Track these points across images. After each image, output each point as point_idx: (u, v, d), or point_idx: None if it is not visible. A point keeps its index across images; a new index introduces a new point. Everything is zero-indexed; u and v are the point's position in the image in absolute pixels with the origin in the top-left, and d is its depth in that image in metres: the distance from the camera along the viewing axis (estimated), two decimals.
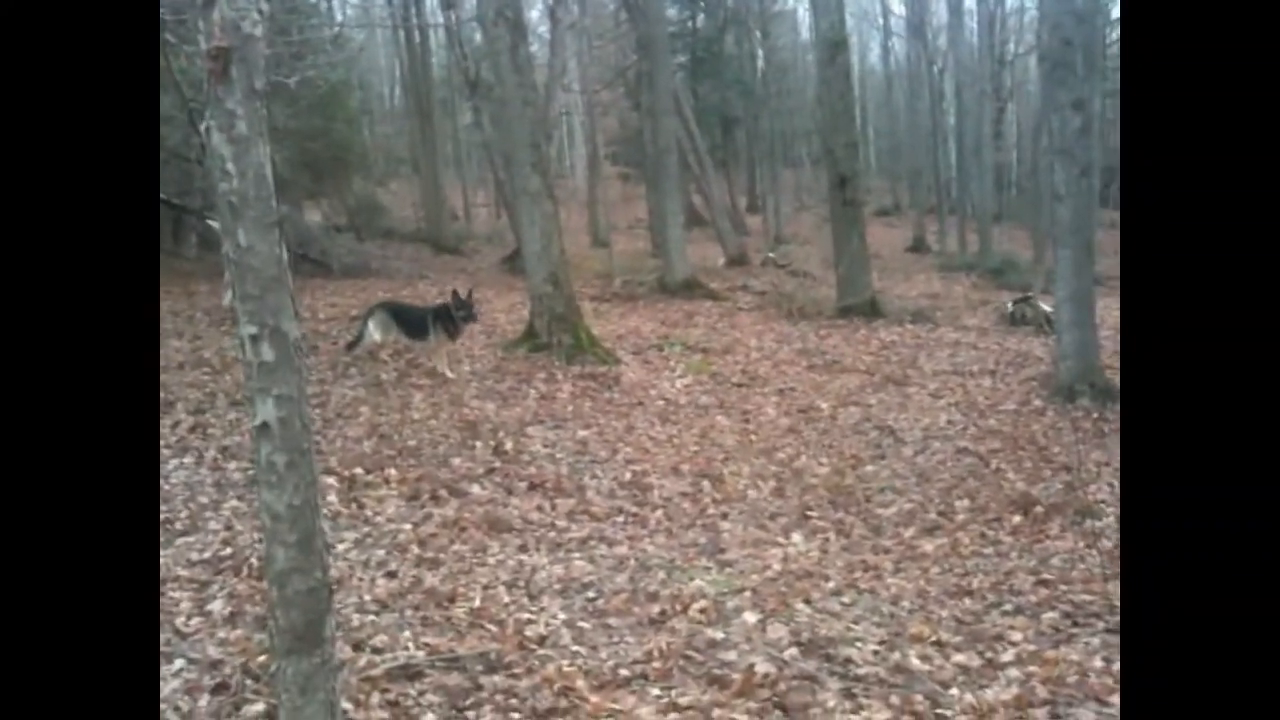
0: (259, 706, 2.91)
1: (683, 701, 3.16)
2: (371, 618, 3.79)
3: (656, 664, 3.46)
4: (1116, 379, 8.95)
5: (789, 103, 30.12)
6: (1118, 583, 4.36)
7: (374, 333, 8.27)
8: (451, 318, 8.15)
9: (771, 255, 18.62)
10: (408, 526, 4.95)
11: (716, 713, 3.06)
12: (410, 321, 8.33)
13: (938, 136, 27.17)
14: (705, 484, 6.08)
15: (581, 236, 21.56)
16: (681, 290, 13.89)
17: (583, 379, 8.51)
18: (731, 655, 3.54)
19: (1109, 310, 13.81)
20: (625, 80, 23.02)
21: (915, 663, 3.52)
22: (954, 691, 3.28)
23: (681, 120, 17.47)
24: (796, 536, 5.25)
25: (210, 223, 10.65)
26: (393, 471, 5.77)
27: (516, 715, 3.04)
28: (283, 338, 1.98)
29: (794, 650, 3.60)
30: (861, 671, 3.43)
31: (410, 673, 3.29)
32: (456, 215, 23.62)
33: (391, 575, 4.30)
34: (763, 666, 3.40)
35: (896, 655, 3.58)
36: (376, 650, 3.47)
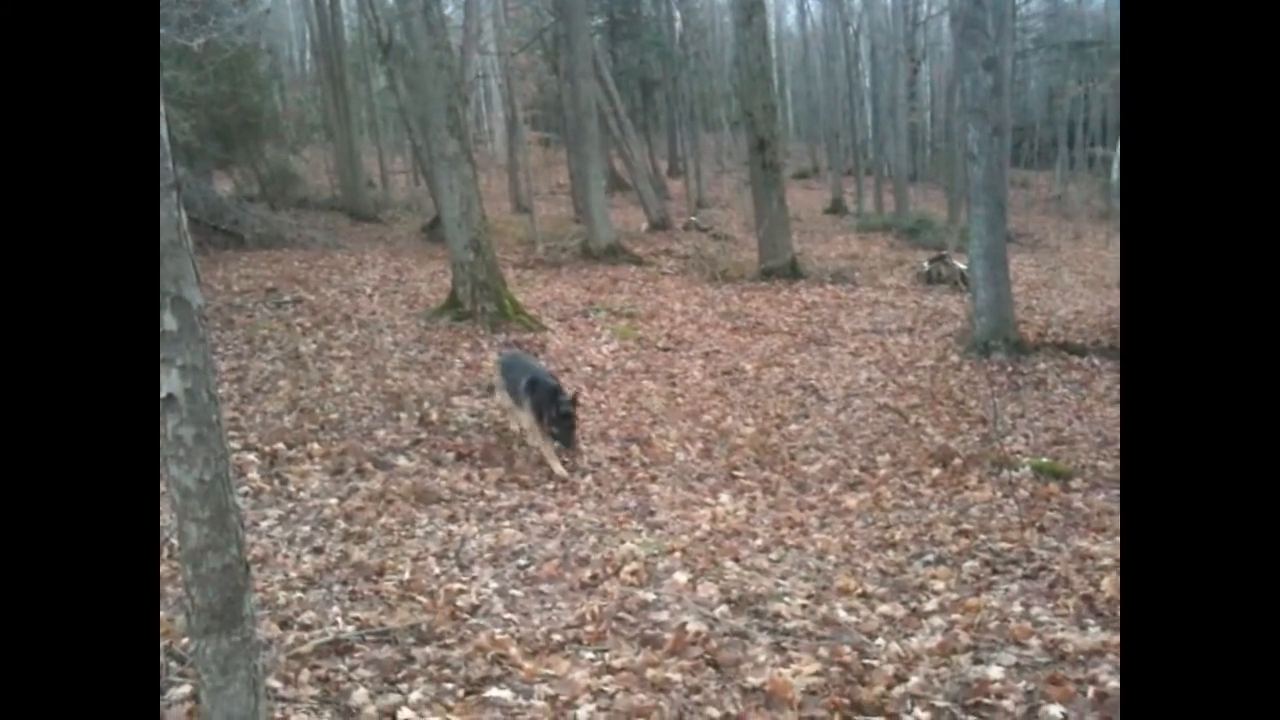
0: (184, 689, 2.82)
1: (616, 663, 3.17)
2: (298, 594, 3.71)
3: (589, 628, 3.46)
4: (1029, 333, 9.23)
5: (707, 65, 30.03)
6: (1034, 530, 4.51)
7: (498, 394, 6.66)
8: (555, 402, 5.78)
9: (694, 219, 18.64)
10: (333, 501, 4.85)
11: (650, 673, 3.08)
12: (512, 377, 6.23)
13: (854, 99, 27.48)
14: (634, 448, 6.10)
15: (503, 203, 21.26)
16: (605, 255, 13.83)
17: (508, 347, 8.43)
18: (663, 615, 3.57)
19: (1021, 267, 14.22)
20: (542, 43, 22.66)
21: (842, 615, 3.60)
22: (880, 641, 3.36)
23: (600, 83, 17.28)
24: (724, 496, 5.30)
25: None
26: (315, 446, 5.64)
27: (450, 685, 3.01)
28: (185, 306, 1.89)
29: (724, 608, 3.64)
30: (790, 625, 3.49)
31: (340, 648, 3.23)
32: (373, 182, 23.00)
33: (318, 551, 4.21)
34: (694, 625, 3.43)
35: (824, 608, 3.65)
36: (304, 627, 3.40)
